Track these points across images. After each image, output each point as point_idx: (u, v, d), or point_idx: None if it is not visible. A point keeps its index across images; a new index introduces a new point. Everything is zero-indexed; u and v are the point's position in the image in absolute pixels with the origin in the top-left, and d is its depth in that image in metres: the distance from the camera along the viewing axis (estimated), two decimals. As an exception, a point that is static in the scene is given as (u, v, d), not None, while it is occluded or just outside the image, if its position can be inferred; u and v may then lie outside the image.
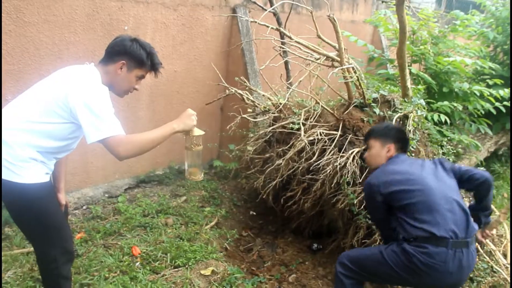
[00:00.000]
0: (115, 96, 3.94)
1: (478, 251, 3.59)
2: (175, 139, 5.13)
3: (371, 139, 2.92)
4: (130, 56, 2.41)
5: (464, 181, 2.66)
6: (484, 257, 3.43)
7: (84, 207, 4.43)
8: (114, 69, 2.40)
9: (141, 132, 2.33)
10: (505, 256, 3.59)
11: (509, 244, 3.69)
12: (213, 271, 3.46)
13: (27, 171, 2.26)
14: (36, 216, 2.35)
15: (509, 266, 3.45)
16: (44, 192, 2.36)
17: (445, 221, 2.40)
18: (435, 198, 2.47)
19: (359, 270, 2.66)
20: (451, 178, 2.64)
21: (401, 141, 2.86)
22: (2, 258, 3.40)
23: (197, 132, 2.53)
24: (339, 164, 3.52)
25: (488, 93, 4.94)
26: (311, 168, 3.70)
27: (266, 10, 4.37)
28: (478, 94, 5.06)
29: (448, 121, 4.57)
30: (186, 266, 3.48)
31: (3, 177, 2.23)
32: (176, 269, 3.47)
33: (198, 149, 2.62)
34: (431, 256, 2.37)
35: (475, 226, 2.54)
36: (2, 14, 3.53)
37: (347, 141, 3.68)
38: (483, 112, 5.38)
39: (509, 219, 3.74)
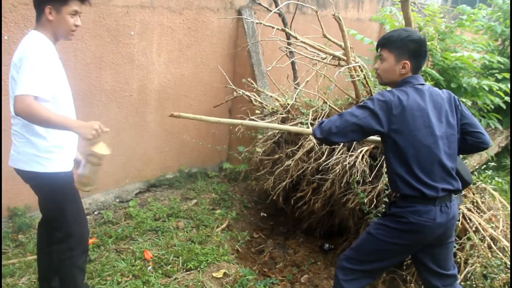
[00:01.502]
0: (123, 104, 3.99)
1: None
2: (185, 143, 5.18)
3: (385, 49, 2.51)
4: None
5: (465, 132, 2.50)
6: (498, 253, 3.40)
7: (96, 212, 4.46)
8: (45, 18, 2.43)
9: (49, 110, 2.32)
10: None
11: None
12: (225, 274, 3.47)
13: (52, 161, 2.49)
14: (60, 205, 2.57)
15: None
16: (65, 180, 2.58)
17: (437, 180, 2.36)
18: (437, 156, 2.36)
19: (360, 266, 2.55)
20: (457, 127, 2.48)
21: (420, 57, 2.48)
22: (17, 264, 3.45)
23: (103, 150, 2.47)
24: (348, 163, 3.51)
25: (497, 88, 4.89)
26: (320, 168, 3.70)
27: (271, 11, 4.37)
28: (487, 88, 5.01)
29: (457, 116, 4.52)
30: (198, 269, 3.50)
31: (32, 169, 2.47)
32: (188, 272, 3.48)
33: (97, 165, 2.55)
34: (420, 214, 2.35)
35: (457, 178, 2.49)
36: (10, 24, 3.56)
37: (355, 140, 3.67)
38: (492, 107, 5.33)
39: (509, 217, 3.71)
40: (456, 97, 2.54)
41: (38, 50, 2.33)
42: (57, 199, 2.58)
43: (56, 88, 2.44)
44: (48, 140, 2.47)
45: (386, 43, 2.51)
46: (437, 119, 2.40)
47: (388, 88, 2.59)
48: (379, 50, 2.57)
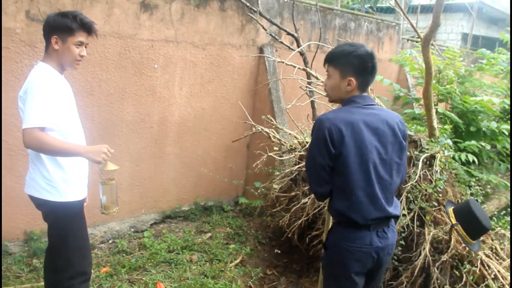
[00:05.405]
0: (143, 135, 4.03)
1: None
2: (202, 176, 5.21)
3: (331, 66, 2.37)
4: (57, 28, 2.48)
5: None
6: None
7: (110, 241, 4.48)
8: (52, 47, 2.50)
9: (57, 139, 2.39)
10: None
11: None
12: (237, 310, 3.44)
13: (61, 190, 2.53)
14: (63, 234, 2.59)
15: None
16: (74, 209, 2.61)
17: (371, 209, 2.27)
18: (371, 182, 2.25)
19: None
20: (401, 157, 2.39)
21: (366, 73, 2.32)
22: (30, 291, 3.46)
23: (111, 166, 2.52)
24: (365, 203, 3.49)
25: (517, 132, 4.89)
26: (336, 207, 3.68)
27: (293, 49, 4.45)
28: (506, 133, 5.00)
29: (476, 160, 4.50)
30: (210, 304, 3.47)
31: (42, 196, 2.52)
32: (200, 307, 3.46)
33: (111, 183, 2.63)
34: (354, 241, 2.28)
35: (398, 204, 2.44)
36: (40, 54, 3.68)
37: (373, 180, 3.66)
38: (512, 151, 5.30)
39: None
40: (401, 120, 2.43)
41: (42, 81, 2.39)
42: (62, 227, 2.60)
43: (63, 117, 2.49)
44: (57, 170, 2.52)
45: (331, 59, 2.38)
46: (377, 143, 2.29)
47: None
48: (326, 67, 2.43)
